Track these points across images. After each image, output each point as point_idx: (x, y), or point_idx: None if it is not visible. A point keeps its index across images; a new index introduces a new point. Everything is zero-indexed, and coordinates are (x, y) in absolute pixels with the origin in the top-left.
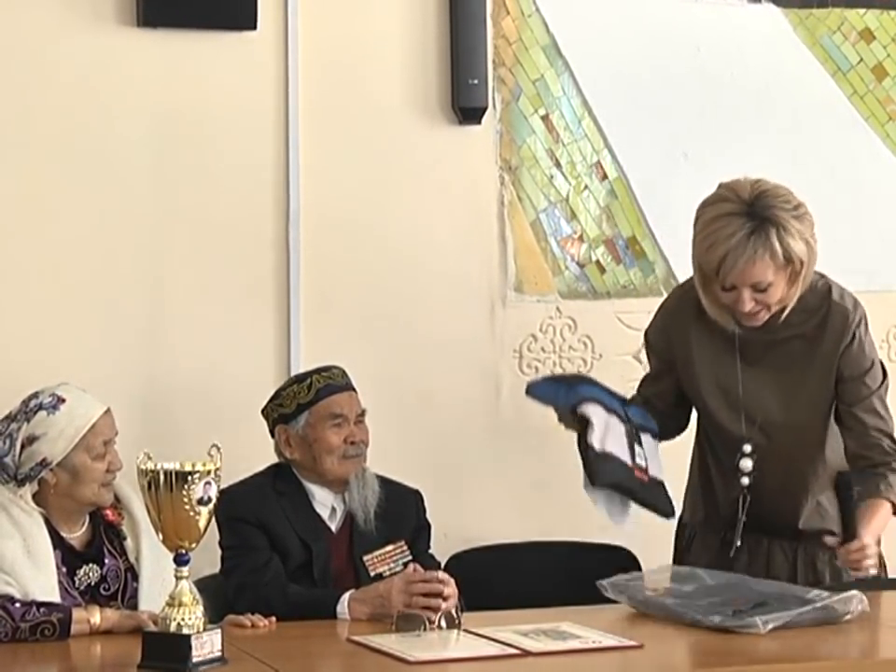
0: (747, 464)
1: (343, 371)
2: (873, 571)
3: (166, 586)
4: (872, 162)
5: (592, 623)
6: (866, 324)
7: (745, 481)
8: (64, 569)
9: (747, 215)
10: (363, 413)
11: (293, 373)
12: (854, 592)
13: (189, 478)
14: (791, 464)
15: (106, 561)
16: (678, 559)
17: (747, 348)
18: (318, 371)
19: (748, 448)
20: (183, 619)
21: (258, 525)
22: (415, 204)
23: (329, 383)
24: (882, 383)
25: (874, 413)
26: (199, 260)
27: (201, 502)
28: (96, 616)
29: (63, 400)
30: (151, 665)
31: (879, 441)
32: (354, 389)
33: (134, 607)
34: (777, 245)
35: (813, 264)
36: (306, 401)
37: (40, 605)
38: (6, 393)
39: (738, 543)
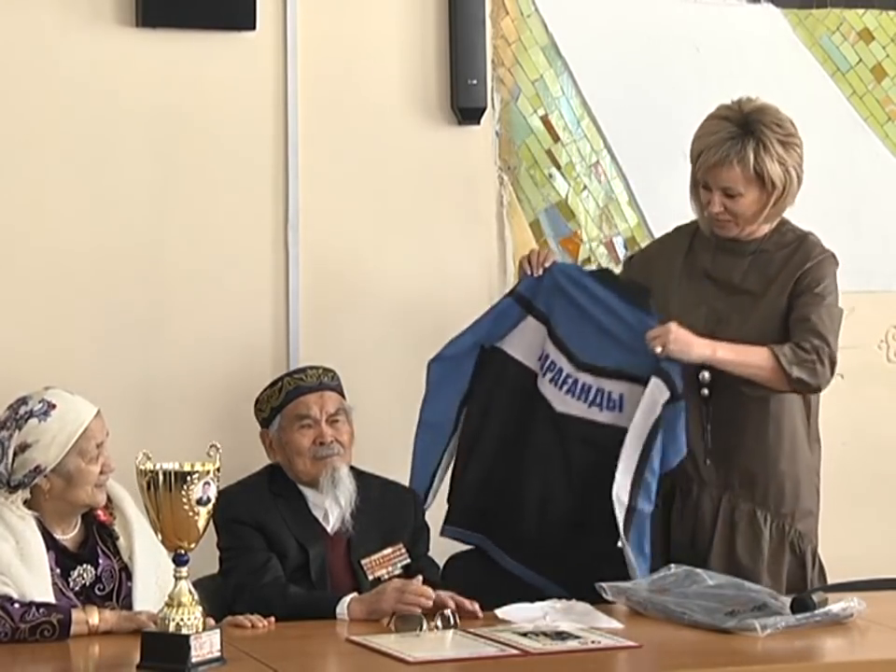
0: (704, 392)
1: (321, 372)
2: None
3: (160, 584)
4: (871, 162)
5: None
6: (835, 263)
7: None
8: (58, 571)
9: (737, 123)
10: (337, 412)
11: None
12: (852, 596)
13: (188, 478)
14: (740, 398)
15: (100, 561)
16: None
17: (725, 278)
18: (292, 373)
19: (705, 375)
20: (182, 619)
21: (255, 526)
22: (414, 204)
23: (298, 385)
24: (836, 308)
25: (817, 318)
26: (198, 260)
27: (200, 502)
28: (94, 617)
29: (54, 406)
30: (150, 665)
31: (806, 335)
32: (332, 389)
33: (129, 606)
34: (750, 156)
35: (791, 193)
36: (277, 405)
37: (40, 605)
38: (5, 393)
39: (708, 462)
